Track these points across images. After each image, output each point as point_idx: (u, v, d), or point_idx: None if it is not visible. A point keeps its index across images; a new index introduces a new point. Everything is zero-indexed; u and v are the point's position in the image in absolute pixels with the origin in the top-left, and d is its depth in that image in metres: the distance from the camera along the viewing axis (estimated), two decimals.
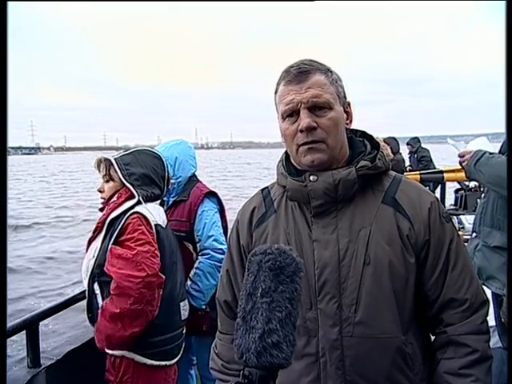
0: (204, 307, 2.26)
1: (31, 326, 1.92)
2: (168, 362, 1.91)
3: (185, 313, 2.02)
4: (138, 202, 1.86)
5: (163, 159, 2.05)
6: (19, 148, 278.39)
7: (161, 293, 1.81)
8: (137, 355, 1.84)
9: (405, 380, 1.03)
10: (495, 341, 2.32)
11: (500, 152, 2.15)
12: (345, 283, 1.02)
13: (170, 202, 2.42)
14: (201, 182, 2.50)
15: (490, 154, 2.13)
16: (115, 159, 1.92)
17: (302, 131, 1.03)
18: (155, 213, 1.91)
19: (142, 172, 1.93)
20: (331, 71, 1.08)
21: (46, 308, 2.03)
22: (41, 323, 1.97)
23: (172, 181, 2.39)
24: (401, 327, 1.03)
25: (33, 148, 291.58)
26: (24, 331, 1.90)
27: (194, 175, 2.48)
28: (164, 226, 1.93)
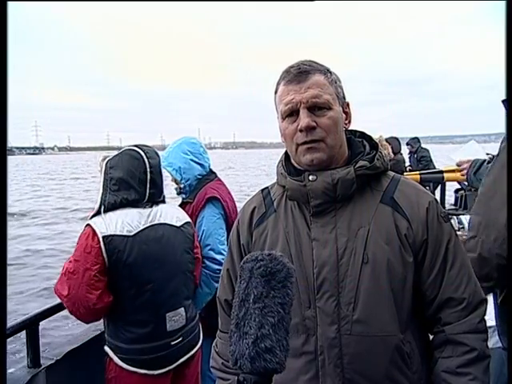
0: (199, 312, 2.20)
1: (31, 326, 1.92)
2: (149, 372, 1.83)
3: (174, 324, 1.88)
4: (98, 212, 1.82)
5: (144, 159, 1.87)
6: (23, 148, 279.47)
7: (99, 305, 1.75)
8: (115, 356, 1.84)
9: (403, 378, 1.03)
10: (495, 341, 2.31)
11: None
12: (343, 282, 1.03)
13: (180, 202, 2.39)
14: (217, 180, 2.42)
15: (489, 161, 2.14)
16: (106, 161, 1.90)
17: (301, 131, 1.04)
18: (113, 222, 1.79)
19: (120, 176, 1.85)
20: (330, 72, 1.09)
21: (45, 308, 2.03)
22: (41, 323, 1.97)
23: (181, 185, 2.36)
24: (399, 326, 1.03)
25: (37, 148, 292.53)
26: (24, 331, 1.90)
27: (208, 172, 2.41)
28: (131, 234, 1.79)
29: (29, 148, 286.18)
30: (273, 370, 0.71)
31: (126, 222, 1.81)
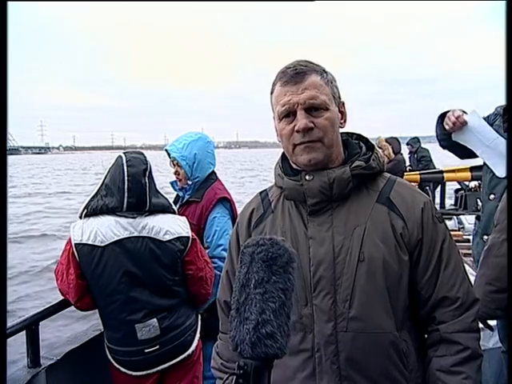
0: (201, 312, 2.17)
1: (31, 326, 1.91)
2: (128, 372, 1.88)
3: (146, 333, 1.85)
4: (81, 215, 1.87)
5: (124, 167, 1.85)
6: (29, 147, 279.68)
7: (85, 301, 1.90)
8: (107, 351, 1.94)
9: (399, 375, 1.04)
10: (495, 341, 2.31)
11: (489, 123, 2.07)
12: (339, 280, 1.04)
13: (185, 200, 2.34)
14: (219, 180, 2.39)
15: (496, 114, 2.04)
16: (109, 166, 1.94)
17: (298, 131, 1.05)
18: (88, 229, 1.80)
19: (107, 182, 1.89)
20: (326, 72, 1.10)
21: (45, 308, 2.03)
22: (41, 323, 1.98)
23: (189, 182, 2.30)
24: (394, 323, 1.04)
25: (42, 147, 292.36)
26: (24, 331, 1.90)
27: (212, 173, 2.37)
28: (103, 245, 1.79)
29: (34, 147, 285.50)
30: (274, 355, 0.71)
31: (101, 231, 1.81)
